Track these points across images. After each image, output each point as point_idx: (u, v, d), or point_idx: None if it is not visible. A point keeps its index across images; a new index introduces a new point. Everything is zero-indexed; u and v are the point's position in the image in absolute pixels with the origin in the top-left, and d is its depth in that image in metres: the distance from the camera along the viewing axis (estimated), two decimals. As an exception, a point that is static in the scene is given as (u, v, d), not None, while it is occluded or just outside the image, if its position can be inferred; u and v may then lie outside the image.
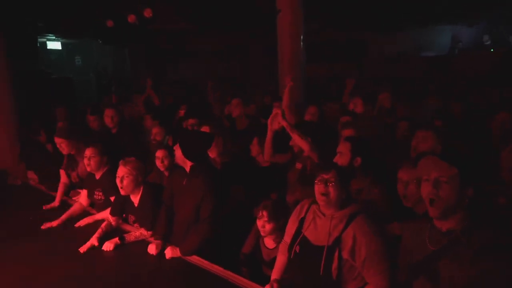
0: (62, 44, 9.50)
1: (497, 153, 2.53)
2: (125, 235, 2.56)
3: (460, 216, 1.44)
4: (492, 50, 9.57)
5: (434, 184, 1.43)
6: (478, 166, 2.45)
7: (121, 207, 2.83)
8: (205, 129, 3.01)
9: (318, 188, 1.84)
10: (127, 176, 2.61)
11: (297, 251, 1.89)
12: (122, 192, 2.67)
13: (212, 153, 3.06)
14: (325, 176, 1.83)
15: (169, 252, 2.39)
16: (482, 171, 2.35)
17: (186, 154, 2.41)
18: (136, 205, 2.76)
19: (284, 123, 2.66)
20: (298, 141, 2.66)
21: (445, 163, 1.43)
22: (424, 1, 6.86)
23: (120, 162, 2.67)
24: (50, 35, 8.70)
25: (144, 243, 2.56)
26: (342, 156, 2.23)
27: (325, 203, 1.84)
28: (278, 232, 2.33)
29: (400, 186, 2.07)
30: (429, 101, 4.33)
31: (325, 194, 1.81)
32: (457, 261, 1.39)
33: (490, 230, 1.40)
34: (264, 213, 2.32)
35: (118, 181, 2.63)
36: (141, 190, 2.73)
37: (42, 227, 2.88)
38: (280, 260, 2.12)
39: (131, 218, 2.84)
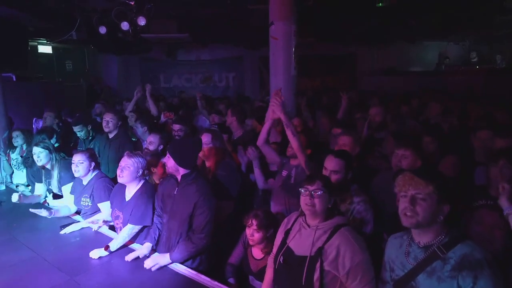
0: (53, 48, 9.41)
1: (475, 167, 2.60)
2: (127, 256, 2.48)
3: (436, 231, 1.48)
4: (477, 67, 9.91)
5: (410, 201, 1.46)
6: (462, 182, 2.53)
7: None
8: (208, 134, 3.03)
9: (303, 199, 1.86)
10: (128, 167, 2.63)
11: (281, 261, 1.91)
12: (119, 180, 2.67)
13: (208, 161, 3.06)
14: (310, 188, 1.84)
15: (157, 259, 2.33)
16: (469, 188, 2.41)
17: (179, 162, 2.40)
18: (127, 199, 2.72)
19: (282, 116, 2.68)
20: (289, 136, 2.67)
21: (422, 180, 1.46)
22: (412, 17, 7.11)
23: (126, 153, 2.73)
24: (41, 39, 8.64)
25: (130, 251, 2.52)
26: (337, 173, 2.22)
27: (310, 213, 1.86)
28: (267, 242, 2.34)
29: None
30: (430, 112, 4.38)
31: (311, 205, 1.83)
32: (435, 277, 1.42)
33: (467, 246, 1.42)
34: (254, 221, 2.33)
35: (118, 170, 2.66)
36: (140, 185, 2.71)
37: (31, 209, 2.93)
38: (269, 273, 2.12)
39: (115, 213, 2.78)
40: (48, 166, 3.44)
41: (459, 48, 10.93)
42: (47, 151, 3.39)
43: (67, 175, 3.28)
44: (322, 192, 1.83)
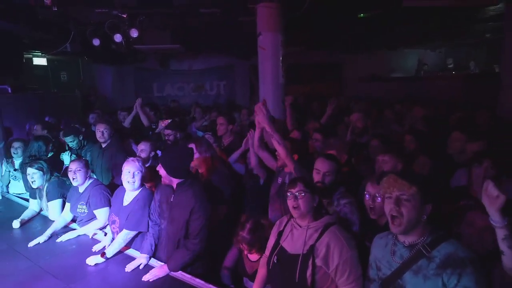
0: (48, 60, 9.51)
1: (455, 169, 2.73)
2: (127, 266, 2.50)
3: (420, 230, 1.54)
4: (453, 72, 10.22)
5: (395, 202, 1.52)
6: (442, 183, 2.64)
7: None
8: (191, 145, 3.05)
9: (289, 203, 2.01)
10: (138, 173, 2.69)
11: (275, 261, 2.01)
12: (129, 186, 2.70)
13: (200, 169, 3.15)
14: (293, 190, 1.99)
15: (155, 272, 2.37)
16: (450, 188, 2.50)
17: (170, 173, 2.42)
18: (125, 204, 2.75)
19: (266, 126, 2.74)
20: (275, 144, 2.72)
21: (405, 181, 1.50)
22: (393, 26, 7.36)
23: (131, 159, 2.77)
24: (36, 51, 8.73)
25: (127, 259, 2.60)
26: (330, 175, 2.35)
27: (298, 214, 1.99)
28: (259, 245, 2.37)
29: (368, 199, 2.19)
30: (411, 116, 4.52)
31: (296, 207, 1.97)
32: (421, 275, 1.47)
33: (451, 245, 1.46)
34: (247, 225, 2.41)
35: (128, 176, 2.66)
36: (139, 191, 2.76)
37: (30, 245, 2.83)
38: (261, 273, 2.22)
39: (112, 217, 2.82)
40: (43, 188, 3.36)
41: (436, 55, 11.25)
42: (41, 172, 3.29)
43: (55, 192, 3.28)
44: (304, 193, 1.96)
